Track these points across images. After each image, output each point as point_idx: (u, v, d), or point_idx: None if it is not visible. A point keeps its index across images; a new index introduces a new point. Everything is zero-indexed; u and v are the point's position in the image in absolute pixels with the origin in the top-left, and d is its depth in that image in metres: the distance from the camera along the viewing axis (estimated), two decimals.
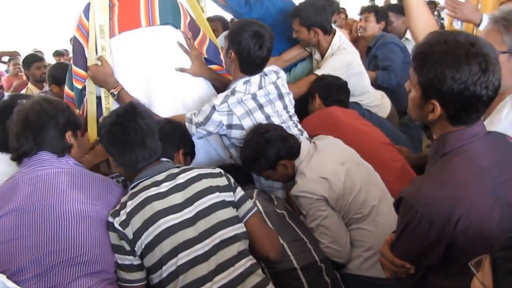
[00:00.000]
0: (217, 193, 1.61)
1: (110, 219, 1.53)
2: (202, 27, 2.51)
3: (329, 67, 2.79)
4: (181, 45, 2.27)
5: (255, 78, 2.15)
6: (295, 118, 2.35)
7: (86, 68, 2.24)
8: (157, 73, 2.21)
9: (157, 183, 1.60)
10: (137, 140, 1.62)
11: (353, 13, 8.33)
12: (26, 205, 1.45)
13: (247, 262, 1.57)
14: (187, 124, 2.11)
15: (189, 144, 2.08)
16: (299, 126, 2.34)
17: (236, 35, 2.09)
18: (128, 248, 1.51)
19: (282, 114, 2.25)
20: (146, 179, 1.62)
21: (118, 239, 1.51)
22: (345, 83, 2.70)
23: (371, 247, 1.98)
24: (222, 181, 1.66)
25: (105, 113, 2.27)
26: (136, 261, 1.52)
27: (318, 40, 2.87)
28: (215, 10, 3.87)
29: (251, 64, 2.11)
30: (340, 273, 1.99)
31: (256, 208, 1.74)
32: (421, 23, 1.93)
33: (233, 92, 2.09)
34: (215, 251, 1.52)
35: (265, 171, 2.10)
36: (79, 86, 2.29)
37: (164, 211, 1.53)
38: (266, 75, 2.21)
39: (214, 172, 1.68)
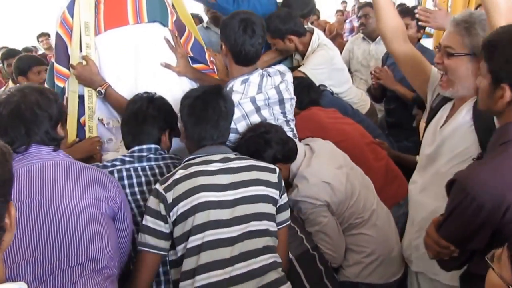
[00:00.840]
0: (264, 187, 1.64)
1: (157, 186, 1.58)
2: (187, 25, 2.49)
3: (312, 63, 2.83)
4: (168, 42, 2.24)
5: (255, 78, 2.11)
6: (293, 124, 2.32)
7: (68, 66, 2.18)
8: (144, 71, 2.17)
9: (209, 162, 1.64)
10: (213, 119, 1.73)
11: (324, 15, 8.46)
12: (19, 203, 1.34)
13: (270, 258, 1.59)
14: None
15: (175, 122, 2.03)
16: (295, 131, 2.32)
17: (225, 26, 2.06)
18: (163, 212, 1.55)
19: (279, 118, 2.22)
20: (202, 156, 1.68)
21: (157, 202, 1.56)
22: (312, 82, 2.73)
23: (372, 253, 2.01)
24: (273, 178, 1.68)
25: (87, 112, 2.22)
26: (166, 229, 1.56)
27: (295, 45, 2.91)
28: (190, 8, 3.83)
29: (244, 54, 2.06)
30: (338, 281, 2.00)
31: (289, 221, 1.75)
32: (389, 24, 1.98)
33: (230, 92, 2.04)
34: (242, 238, 1.56)
35: None
36: (61, 85, 2.22)
37: (207, 186, 1.57)
38: (269, 75, 2.16)
39: (268, 167, 1.70)
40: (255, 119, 2.10)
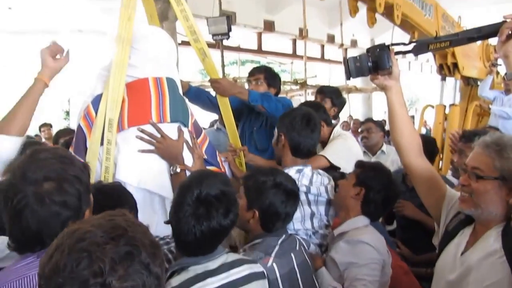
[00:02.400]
0: None
1: None
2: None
3: (333, 149, 2.94)
4: (187, 143, 2.27)
5: (308, 170, 2.18)
6: (328, 230, 2.30)
7: (84, 158, 2.17)
8: (163, 168, 2.18)
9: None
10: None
11: None
12: None
13: None
14: None
15: None
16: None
17: (287, 118, 2.16)
18: None
19: (323, 219, 2.23)
20: None
21: None
22: None
23: None
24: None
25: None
26: None
27: (323, 133, 3.05)
28: None
29: (302, 147, 2.17)
30: None
31: None
32: (405, 136, 1.94)
33: None
34: None
35: None
36: None
37: None
38: (319, 174, 2.23)
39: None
40: (304, 210, 2.15)
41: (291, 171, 2.14)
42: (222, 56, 7.37)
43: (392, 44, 1.85)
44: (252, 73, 3.39)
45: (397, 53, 1.87)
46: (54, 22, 7.75)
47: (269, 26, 9.46)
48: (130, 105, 2.18)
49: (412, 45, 1.90)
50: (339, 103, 3.58)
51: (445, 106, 5.94)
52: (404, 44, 1.89)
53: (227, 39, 6.78)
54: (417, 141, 1.96)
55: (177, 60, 2.60)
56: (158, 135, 2.14)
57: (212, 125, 4.46)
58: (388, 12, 4.08)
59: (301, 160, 2.20)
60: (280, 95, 3.43)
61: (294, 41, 11.53)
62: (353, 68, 1.85)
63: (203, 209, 1.55)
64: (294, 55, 11.84)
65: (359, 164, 2.27)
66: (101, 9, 7.22)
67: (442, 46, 1.93)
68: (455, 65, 5.59)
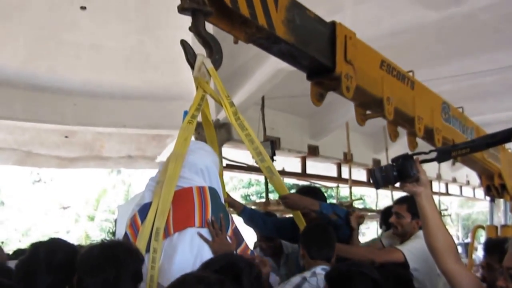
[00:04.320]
0: None
1: None
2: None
3: (412, 246, 2.99)
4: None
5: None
6: None
7: None
8: None
9: None
10: None
11: None
12: None
13: None
14: None
15: None
16: None
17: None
18: None
19: None
20: None
21: None
22: None
23: None
24: None
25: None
26: None
27: (414, 228, 3.14)
28: None
29: None
30: None
31: None
32: (440, 241, 1.94)
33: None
34: None
35: None
36: None
37: None
38: None
39: None
40: None
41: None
42: (266, 181, 7.58)
43: (415, 154, 1.97)
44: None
45: (423, 161, 1.98)
46: None
47: (313, 150, 9.71)
48: (174, 212, 2.33)
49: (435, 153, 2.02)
50: None
51: (496, 227, 5.75)
52: (425, 153, 2.01)
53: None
54: (453, 246, 1.97)
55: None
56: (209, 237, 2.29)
57: None
58: (429, 136, 4.18)
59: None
60: None
61: (339, 165, 11.69)
62: (379, 178, 1.97)
63: None
64: (339, 179, 11.92)
65: None
66: None
67: (464, 153, 2.03)
68: (503, 186, 5.51)
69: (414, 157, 1.96)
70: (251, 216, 3.28)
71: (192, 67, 2.48)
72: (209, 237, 2.32)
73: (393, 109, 3.47)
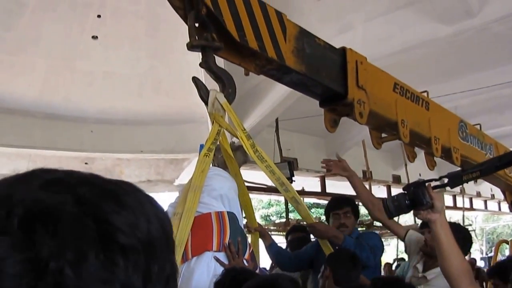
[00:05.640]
0: None
1: None
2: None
3: None
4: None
5: None
6: None
7: None
8: None
9: None
10: None
11: None
12: None
13: None
14: None
15: None
16: None
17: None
18: None
19: None
20: None
21: None
22: None
23: None
24: None
25: None
26: None
27: None
28: None
29: None
30: None
31: None
32: (454, 266, 1.90)
33: None
34: None
35: None
36: None
37: None
38: None
39: None
40: None
41: None
42: (286, 202, 7.54)
43: (426, 181, 1.94)
44: (340, 206, 3.42)
45: (435, 187, 1.94)
46: None
47: None
48: (193, 238, 2.35)
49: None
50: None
51: None
52: (435, 179, 1.99)
53: (291, 183, 6.97)
54: (467, 269, 1.96)
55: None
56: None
57: None
58: (447, 155, 4.11)
59: None
60: None
61: None
62: (392, 207, 1.94)
63: None
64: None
65: None
66: None
67: (474, 176, 2.01)
68: None
69: (427, 183, 1.94)
70: (278, 252, 3.31)
71: (206, 103, 2.47)
72: (225, 261, 2.34)
73: (408, 132, 3.41)
